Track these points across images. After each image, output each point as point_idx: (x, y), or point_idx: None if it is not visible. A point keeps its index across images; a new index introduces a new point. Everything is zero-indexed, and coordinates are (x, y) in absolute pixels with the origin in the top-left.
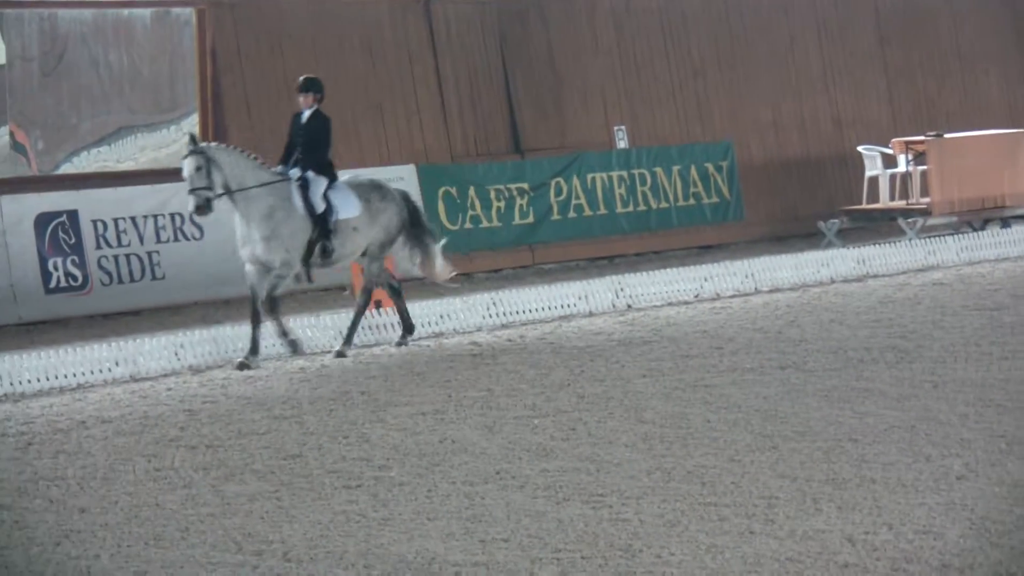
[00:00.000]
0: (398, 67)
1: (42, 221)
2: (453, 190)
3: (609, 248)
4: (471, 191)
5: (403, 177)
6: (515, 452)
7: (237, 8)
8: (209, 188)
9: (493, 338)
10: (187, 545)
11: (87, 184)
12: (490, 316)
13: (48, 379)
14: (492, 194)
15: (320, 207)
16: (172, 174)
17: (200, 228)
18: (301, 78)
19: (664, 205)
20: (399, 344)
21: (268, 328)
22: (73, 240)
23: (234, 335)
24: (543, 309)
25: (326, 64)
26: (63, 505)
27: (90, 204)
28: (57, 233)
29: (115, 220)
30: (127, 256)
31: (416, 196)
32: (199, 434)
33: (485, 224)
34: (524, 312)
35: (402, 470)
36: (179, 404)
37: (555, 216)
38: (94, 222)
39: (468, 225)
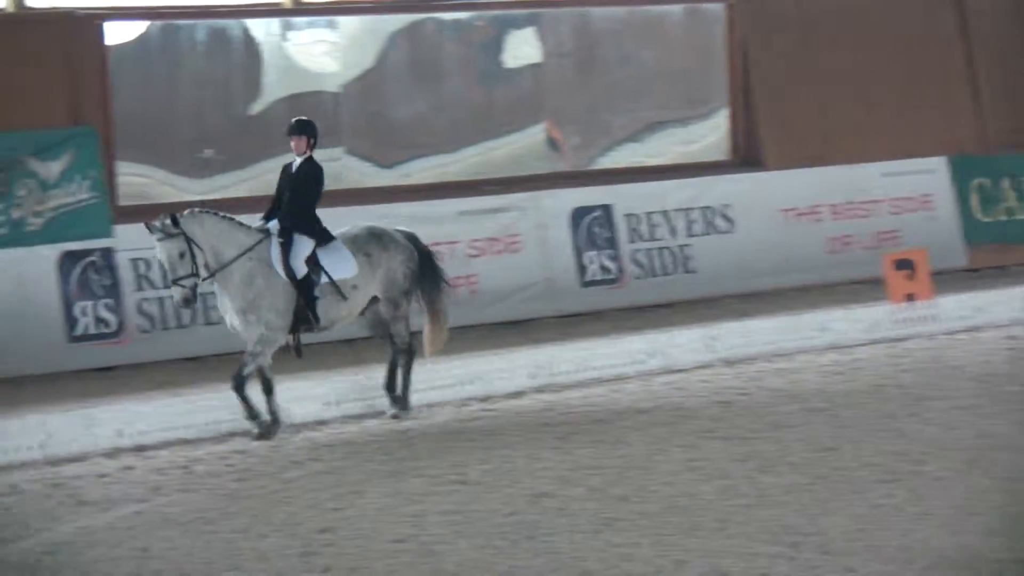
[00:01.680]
0: (928, 57)
1: (578, 216)
2: (987, 182)
3: None
4: (1005, 182)
5: (933, 169)
6: None
7: (767, 2)
8: (195, 275)
9: None
10: (724, 536)
11: (620, 179)
12: None
13: (585, 370)
14: None
15: (301, 272)
16: (703, 168)
17: (731, 221)
18: (293, 120)
19: None
20: (394, 416)
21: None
22: (608, 234)
23: (767, 328)
24: None
25: (855, 55)
26: (603, 493)
27: (623, 198)
28: (592, 227)
29: (647, 214)
30: (659, 250)
31: (946, 187)
32: (733, 426)
33: (1020, 216)
34: None
35: (939, 465)
36: (713, 396)
37: None
38: (627, 216)
39: (1002, 217)
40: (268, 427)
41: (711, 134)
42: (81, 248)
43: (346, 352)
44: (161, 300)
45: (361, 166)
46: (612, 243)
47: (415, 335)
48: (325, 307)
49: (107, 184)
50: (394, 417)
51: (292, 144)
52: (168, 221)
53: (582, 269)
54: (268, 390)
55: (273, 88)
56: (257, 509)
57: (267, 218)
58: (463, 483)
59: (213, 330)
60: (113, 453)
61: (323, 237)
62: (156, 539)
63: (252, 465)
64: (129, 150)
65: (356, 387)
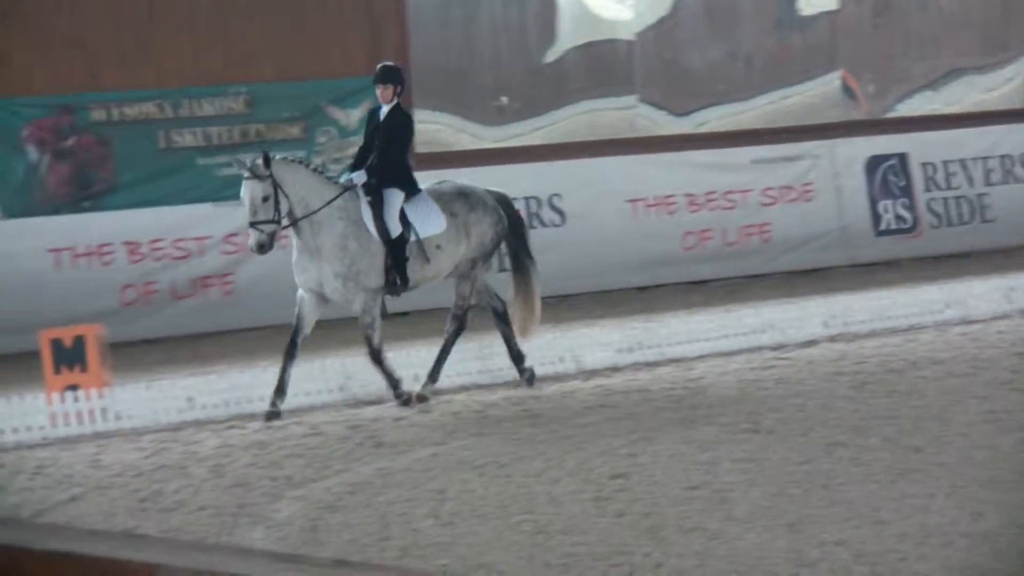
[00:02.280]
0: None
1: (873, 164)
2: None
3: None
4: None
5: None
6: None
7: None
8: (276, 221)
9: None
10: (1022, 488)
11: (917, 127)
12: None
13: (880, 319)
14: None
15: (396, 230)
16: (1001, 116)
17: None
18: (378, 67)
19: None
20: (526, 381)
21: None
22: (903, 183)
23: None
24: None
25: None
26: (898, 444)
27: (920, 147)
28: (887, 176)
29: (944, 163)
30: (956, 199)
31: None
32: None
33: None
34: None
35: None
36: (1011, 348)
37: None
38: (923, 165)
39: None
40: (406, 394)
41: (1010, 82)
42: None
43: (636, 300)
44: None
45: (654, 114)
46: (907, 192)
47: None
48: (412, 267)
49: None
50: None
51: (378, 92)
52: (259, 161)
53: (877, 218)
54: (289, 359)
55: (568, 36)
56: (550, 454)
57: (354, 167)
58: (755, 431)
59: (507, 277)
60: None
61: (412, 190)
62: (452, 481)
63: (545, 411)
64: (426, 98)
65: (648, 334)
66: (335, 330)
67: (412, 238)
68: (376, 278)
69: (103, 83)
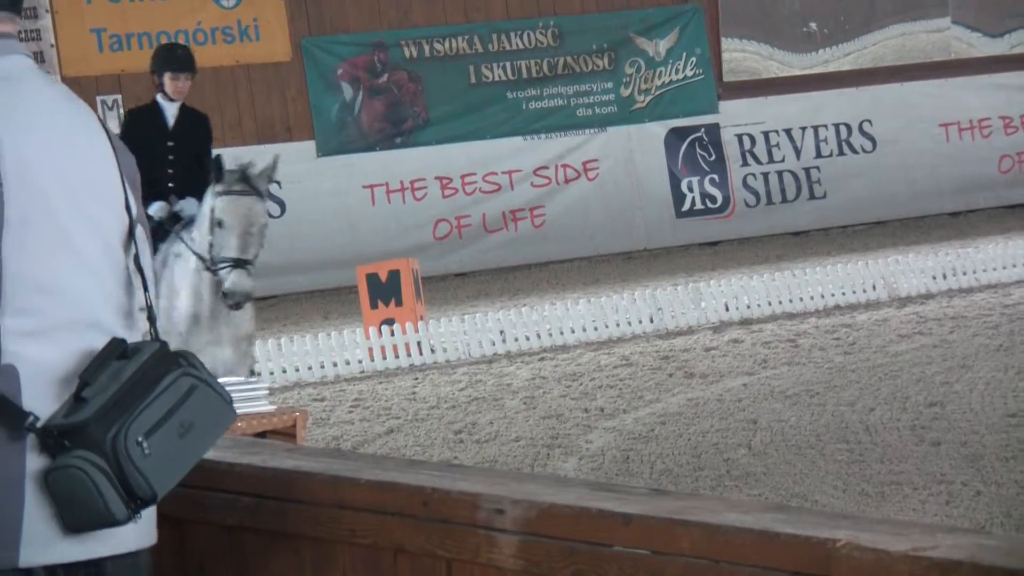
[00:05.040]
0: None
1: None
2: None
3: None
4: None
5: None
6: None
7: None
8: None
9: None
10: None
11: None
12: None
13: None
14: None
15: None
16: None
17: None
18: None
19: None
20: None
21: None
22: None
23: None
24: None
25: None
26: None
27: None
28: None
29: None
30: None
31: None
32: None
33: None
34: None
35: None
36: None
37: None
38: None
39: None
40: None
41: None
42: (688, 124)
43: (950, 225)
44: (766, 176)
45: (968, 36)
46: None
47: None
48: None
49: (713, 60)
50: None
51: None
52: (254, 171)
53: None
54: None
55: None
56: (864, 382)
57: None
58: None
59: (818, 204)
60: (720, 327)
61: None
62: (764, 411)
63: (858, 339)
64: (734, 26)
65: (963, 260)
66: (647, 259)
67: None
68: None
69: (414, 20)
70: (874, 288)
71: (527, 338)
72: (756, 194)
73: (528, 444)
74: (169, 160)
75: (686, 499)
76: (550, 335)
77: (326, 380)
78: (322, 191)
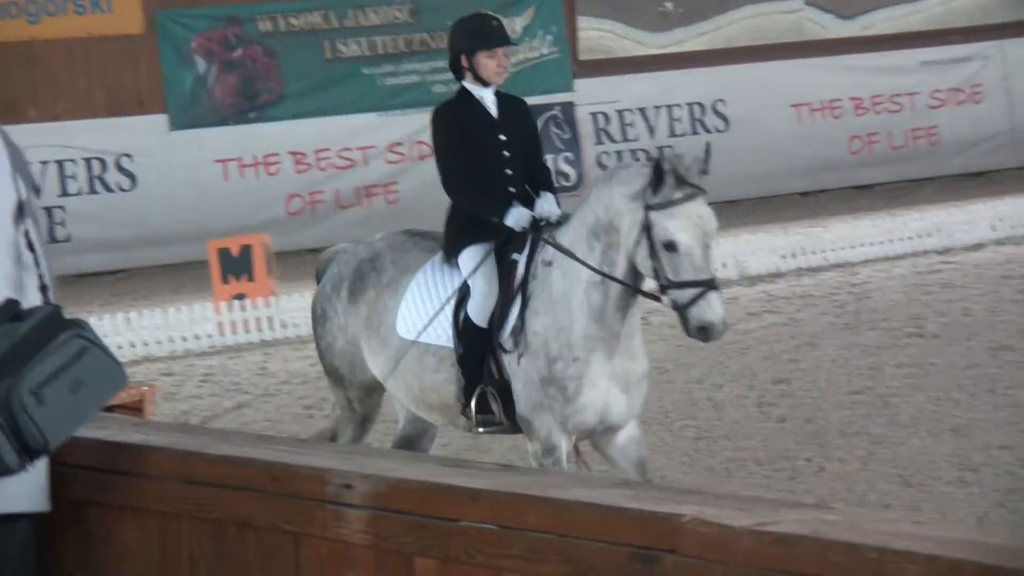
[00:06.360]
0: None
1: None
2: None
3: None
4: None
5: None
6: None
7: None
8: None
9: None
10: None
11: None
12: None
13: None
14: None
15: None
16: None
17: None
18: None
19: None
20: None
21: None
22: None
23: None
24: None
25: None
26: None
27: None
28: None
29: None
30: None
31: None
32: None
33: None
34: None
35: None
36: None
37: None
38: None
39: None
40: None
41: None
42: (543, 102)
43: (800, 205)
44: (620, 154)
45: (821, 17)
46: None
47: None
48: None
49: (569, 39)
50: None
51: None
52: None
53: None
54: None
55: None
56: (713, 360)
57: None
58: (920, 336)
59: None
60: None
61: None
62: None
63: None
64: (590, 4)
65: (812, 239)
66: None
67: None
68: None
69: None
70: (724, 266)
71: None
72: None
73: (380, 420)
74: (505, 159)
75: (534, 475)
76: None
77: (176, 355)
78: (174, 165)
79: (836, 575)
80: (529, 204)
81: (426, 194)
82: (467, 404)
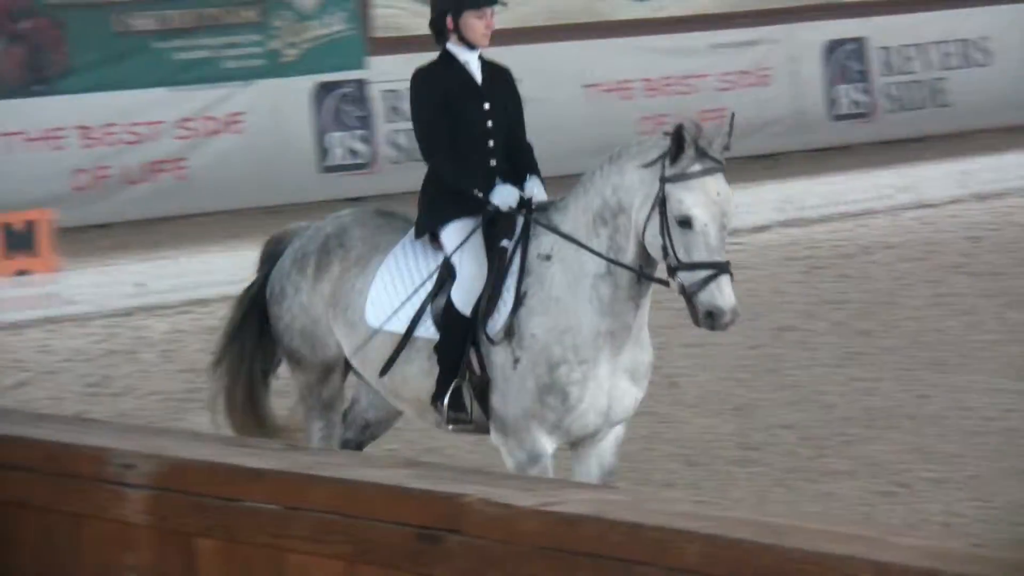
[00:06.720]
0: None
1: (830, 49)
2: None
3: None
4: None
5: None
6: None
7: None
8: None
9: None
10: (968, 371)
11: (876, 11)
12: None
13: (833, 204)
14: None
15: None
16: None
17: (990, 54)
18: None
19: None
20: None
21: None
22: (860, 67)
23: (1021, 163)
24: None
25: None
26: (847, 328)
27: (877, 31)
28: (845, 61)
29: (901, 47)
30: (913, 83)
31: None
32: (982, 261)
33: None
34: None
35: None
36: (963, 231)
37: None
38: (881, 49)
39: None
40: None
41: None
42: (336, 79)
43: None
44: (411, 133)
45: None
46: (864, 76)
47: None
48: None
49: (363, 15)
50: None
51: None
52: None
53: (832, 103)
54: None
55: None
56: None
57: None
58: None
59: None
60: None
61: None
62: None
63: None
64: None
65: None
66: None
67: None
68: None
69: None
70: None
71: (166, 291)
72: (401, 150)
73: (164, 398)
74: (488, 130)
75: (320, 455)
76: (189, 288)
77: None
78: None
79: (618, 554)
80: (511, 182)
81: (216, 169)
82: (439, 398)
